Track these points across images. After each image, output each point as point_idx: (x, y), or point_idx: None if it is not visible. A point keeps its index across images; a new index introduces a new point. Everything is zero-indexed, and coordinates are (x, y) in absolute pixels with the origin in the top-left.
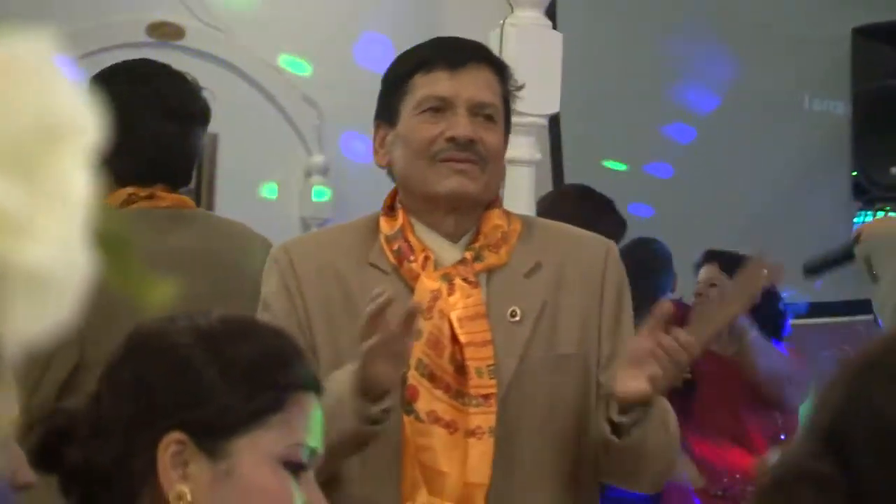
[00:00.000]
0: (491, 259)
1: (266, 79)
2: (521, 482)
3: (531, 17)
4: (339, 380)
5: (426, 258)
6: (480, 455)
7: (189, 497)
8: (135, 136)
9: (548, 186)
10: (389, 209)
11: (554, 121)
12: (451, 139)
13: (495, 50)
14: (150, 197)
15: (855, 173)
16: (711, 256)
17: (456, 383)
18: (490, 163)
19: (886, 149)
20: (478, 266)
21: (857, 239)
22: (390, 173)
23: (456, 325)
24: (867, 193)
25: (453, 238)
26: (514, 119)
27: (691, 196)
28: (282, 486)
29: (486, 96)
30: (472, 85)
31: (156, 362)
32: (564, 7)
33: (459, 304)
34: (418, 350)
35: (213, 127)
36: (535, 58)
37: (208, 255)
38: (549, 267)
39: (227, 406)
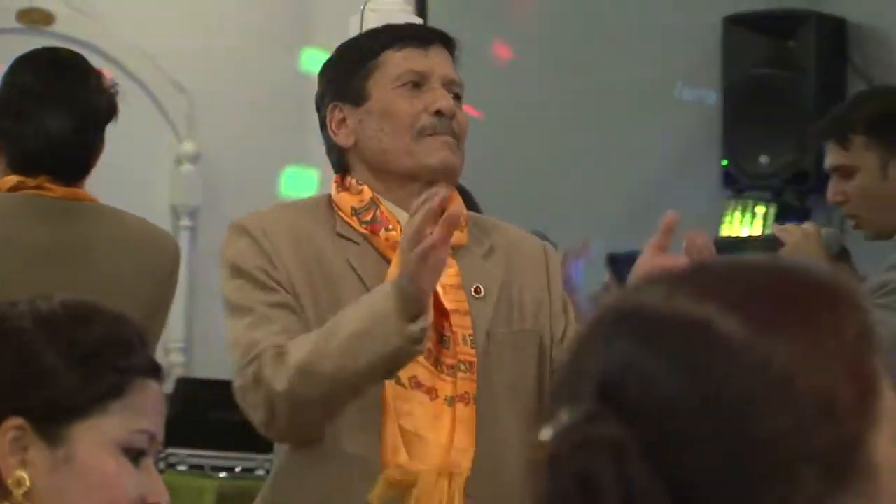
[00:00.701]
0: (456, 237)
1: (136, 65)
2: (495, 451)
3: (391, 2)
4: (373, 301)
5: (401, 229)
6: (466, 421)
7: (28, 483)
8: (24, 126)
9: None
10: (345, 187)
11: None
12: (438, 112)
13: (355, 33)
14: (38, 187)
15: (725, 162)
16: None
17: (436, 350)
18: (462, 140)
19: (756, 138)
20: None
21: (775, 245)
22: (341, 157)
23: (440, 292)
24: (737, 182)
25: None
26: None
27: (562, 183)
28: (121, 472)
29: (455, 74)
30: (443, 63)
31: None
32: None
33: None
34: None
35: None
36: None
37: (89, 247)
38: (499, 252)
39: (65, 390)
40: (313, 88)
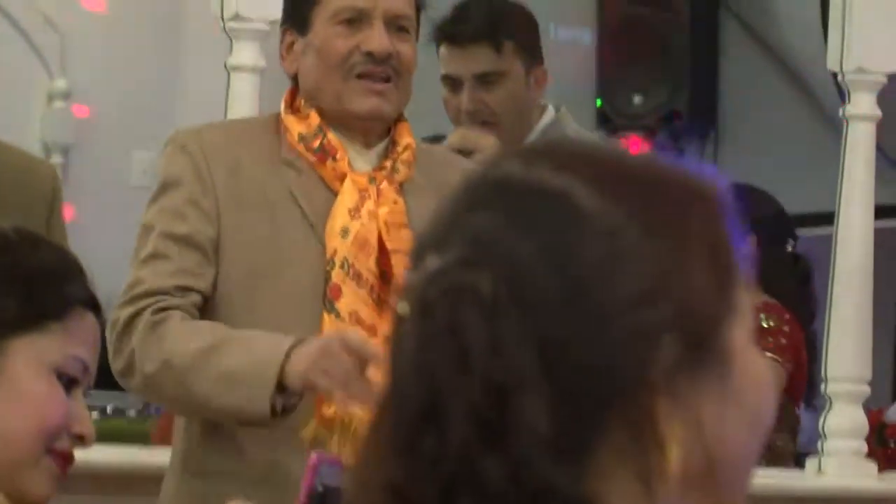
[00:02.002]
0: (403, 173)
1: (6, 1)
2: None
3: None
4: (262, 352)
5: (348, 160)
6: None
7: None
8: None
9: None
10: (294, 109)
11: None
12: (369, 54)
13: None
14: None
15: (599, 102)
16: None
17: (378, 288)
18: (403, 76)
19: (630, 78)
20: (396, 177)
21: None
22: (294, 80)
23: (383, 230)
24: (611, 122)
25: (366, 145)
26: (237, 25)
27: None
28: (52, 393)
29: (403, 7)
30: None
31: None
32: None
33: (386, 209)
34: (344, 249)
35: None
36: None
37: None
38: (446, 188)
39: (3, 305)
40: (187, 24)
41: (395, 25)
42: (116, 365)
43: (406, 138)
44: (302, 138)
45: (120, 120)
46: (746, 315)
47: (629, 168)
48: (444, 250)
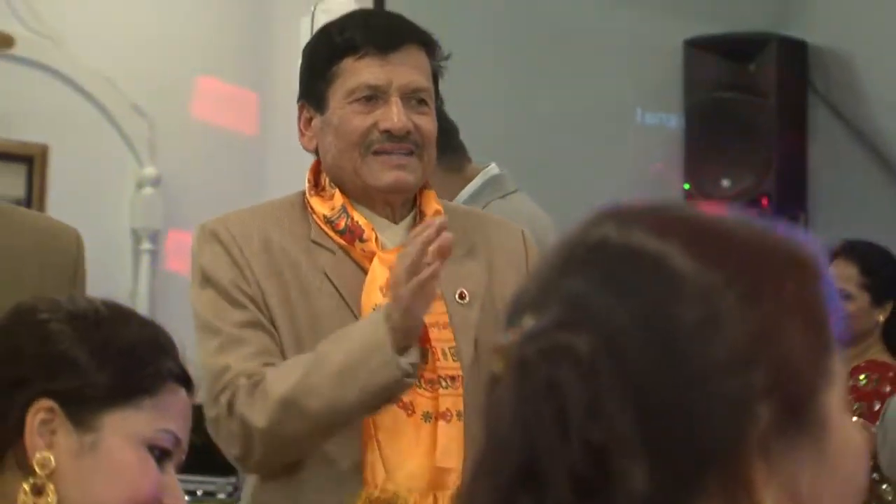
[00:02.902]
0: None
1: (97, 89)
2: None
3: (342, 3)
4: (361, 332)
5: (376, 238)
6: (451, 439)
7: (53, 464)
8: None
9: None
10: (318, 188)
11: None
12: (387, 131)
13: (306, 36)
14: None
15: (687, 186)
16: (846, 250)
17: None
18: (426, 149)
19: (718, 161)
20: None
21: None
22: (317, 154)
23: None
24: None
25: (393, 219)
26: None
27: None
28: (144, 467)
29: (420, 81)
30: (405, 70)
31: (25, 333)
32: None
33: None
34: None
35: (43, 138)
36: None
37: None
38: (480, 250)
39: (94, 384)
40: (273, 110)
41: (414, 99)
42: (233, 451)
43: (433, 205)
44: (327, 220)
45: (208, 205)
46: (841, 381)
47: (725, 231)
48: (541, 311)
